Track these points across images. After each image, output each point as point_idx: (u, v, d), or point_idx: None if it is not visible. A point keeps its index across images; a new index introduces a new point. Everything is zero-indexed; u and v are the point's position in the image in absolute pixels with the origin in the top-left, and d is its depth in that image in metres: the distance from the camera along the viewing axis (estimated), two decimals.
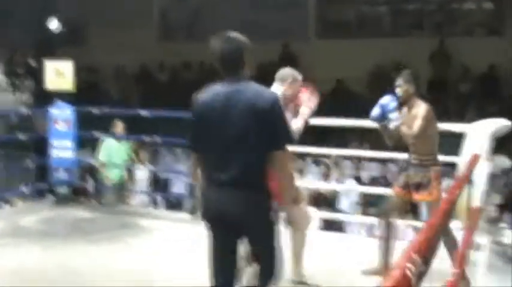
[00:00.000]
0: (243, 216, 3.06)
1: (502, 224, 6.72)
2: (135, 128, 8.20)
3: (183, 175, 9.64)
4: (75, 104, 7.48)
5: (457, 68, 13.02)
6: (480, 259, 4.14)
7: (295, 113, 4.39)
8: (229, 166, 3.03)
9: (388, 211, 4.92)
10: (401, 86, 4.80)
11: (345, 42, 13.72)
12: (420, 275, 1.12)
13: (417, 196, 4.77)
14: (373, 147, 8.13)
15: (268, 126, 2.99)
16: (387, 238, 4.86)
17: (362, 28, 14.72)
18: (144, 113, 7.35)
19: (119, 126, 8.11)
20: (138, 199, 9.25)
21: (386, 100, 4.75)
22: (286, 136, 3.11)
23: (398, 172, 6.70)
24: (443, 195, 4.39)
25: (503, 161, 5.16)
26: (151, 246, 5.74)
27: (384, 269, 4.79)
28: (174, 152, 11.12)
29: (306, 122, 4.42)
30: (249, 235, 3.15)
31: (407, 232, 6.70)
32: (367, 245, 5.39)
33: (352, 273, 4.90)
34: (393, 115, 4.74)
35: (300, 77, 4.44)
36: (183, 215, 7.34)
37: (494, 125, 4.73)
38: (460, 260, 2.06)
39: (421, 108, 4.69)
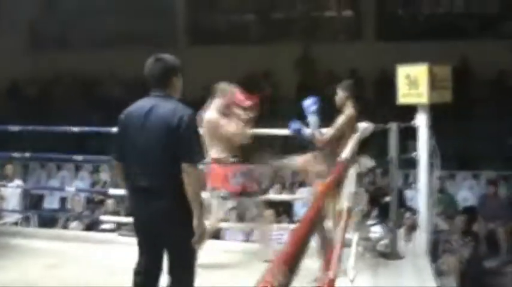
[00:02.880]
0: (157, 224, 3.33)
1: (370, 221, 7.12)
2: (4, 143, 7.90)
3: (56, 190, 9.40)
4: None
5: (322, 73, 13.59)
6: (349, 255, 4.38)
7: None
8: (145, 175, 3.31)
9: None
10: (338, 95, 5.16)
11: (214, 50, 13.90)
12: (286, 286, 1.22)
13: None
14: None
15: (178, 141, 3.26)
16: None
17: (231, 36, 14.98)
18: (14, 128, 7.04)
19: None
20: (9, 217, 8.86)
21: (308, 102, 5.00)
22: (194, 152, 3.31)
23: None
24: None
25: (366, 161, 5.47)
26: (23, 266, 5.50)
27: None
28: (46, 167, 10.81)
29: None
30: (164, 244, 3.39)
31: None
32: None
33: None
34: (312, 119, 4.97)
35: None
36: (58, 232, 7.14)
37: (359, 128, 5.08)
38: (334, 260, 2.20)
39: (345, 113, 5.04)
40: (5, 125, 7.04)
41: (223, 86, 5.16)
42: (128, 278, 3.53)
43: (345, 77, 13.12)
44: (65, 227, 8.94)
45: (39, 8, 15.74)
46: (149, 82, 3.46)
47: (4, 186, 8.49)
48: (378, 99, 11.97)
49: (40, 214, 9.55)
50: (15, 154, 7.40)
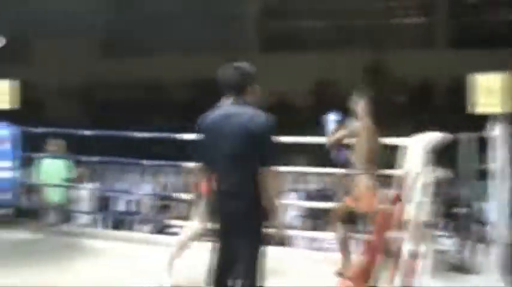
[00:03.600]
0: (237, 223, 3.49)
1: (443, 233, 6.94)
2: (76, 146, 8.10)
3: (125, 193, 9.56)
4: (17, 123, 7.33)
5: (392, 81, 13.41)
6: (423, 267, 4.27)
7: None
8: (229, 178, 3.49)
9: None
10: (355, 102, 5.07)
11: (285, 57, 13.92)
12: None
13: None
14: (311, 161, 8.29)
15: (259, 146, 3.45)
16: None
17: (301, 43, 14.97)
18: (86, 132, 7.21)
19: (57, 145, 7.94)
20: (81, 218, 9.09)
21: (329, 117, 5.08)
22: (273, 156, 3.50)
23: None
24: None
25: (439, 172, 5.33)
26: (94, 266, 5.65)
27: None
28: (114, 170, 11.03)
29: None
30: (239, 244, 3.48)
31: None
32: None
33: None
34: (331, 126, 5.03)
35: None
36: (126, 234, 7.27)
37: (428, 138, 4.95)
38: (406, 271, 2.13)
39: (364, 123, 4.93)
40: (77, 129, 7.23)
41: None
42: (196, 278, 3.66)
43: (416, 86, 13.15)
44: (131, 229, 9.10)
45: (114, 14, 16.15)
46: (225, 89, 3.57)
47: (77, 188, 8.69)
48: (450, 108, 11.70)
49: (108, 216, 9.74)
50: (85, 158, 7.58)
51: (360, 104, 5.06)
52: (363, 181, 4.81)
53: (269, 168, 3.46)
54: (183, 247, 5.01)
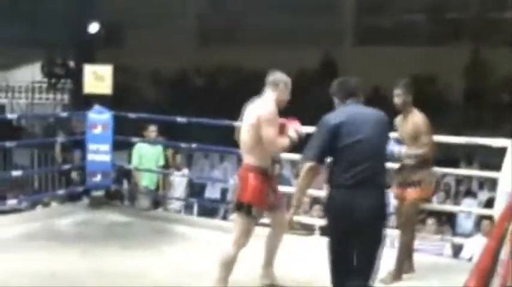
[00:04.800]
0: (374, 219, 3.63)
1: None
2: (170, 132, 8.21)
3: (218, 180, 9.61)
4: (112, 107, 7.51)
5: (495, 79, 12.83)
6: None
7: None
8: (372, 172, 3.62)
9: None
10: (399, 95, 4.95)
11: (380, 50, 13.63)
12: None
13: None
14: None
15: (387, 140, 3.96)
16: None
17: (398, 36, 14.61)
18: (180, 119, 7.26)
19: (152, 131, 8.08)
20: (174, 204, 9.23)
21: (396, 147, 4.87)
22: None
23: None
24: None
25: None
26: (184, 253, 5.69)
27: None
28: (210, 157, 11.13)
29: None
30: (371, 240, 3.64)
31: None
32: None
33: None
34: (396, 149, 4.84)
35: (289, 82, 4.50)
36: (217, 222, 7.30)
37: None
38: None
39: (418, 120, 4.90)
40: (174, 116, 7.27)
41: (278, 77, 4.48)
42: (286, 271, 3.47)
43: None
44: (224, 218, 9.15)
45: (207, 3, 16.34)
46: (345, 95, 3.81)
47: (172, 175, 8.82)
48: None
49: (201, 203, 9.84)
50: (183, 144, 7.65)
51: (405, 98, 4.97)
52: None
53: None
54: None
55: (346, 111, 3.73)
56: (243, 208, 4.32)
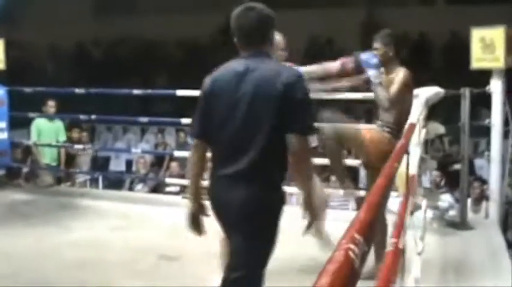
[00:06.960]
0: (242, 213, 2.71)
1: (441, 189, 6.93)
2: (69, 106, 8.01)
3: (122, 151, 9.52)
4: (7, 84, 7.20)
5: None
6: (417, 223, 4.23)
7: None
8: (238, 156, 2.68)
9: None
10: (378, 49, 4.17)
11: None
12: (363, 256, 1.12)
13: None
14: None
15: (286, 109, 2.61)
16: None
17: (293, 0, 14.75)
18: (78, 91, 7.05)
19: (51, 106, 7.80)
20: (80, 179, 9.06)
21: (367, 55, 4.13)
22: (306, 122, 2.70)
23: None
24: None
25: (436, 127, 5.27)
26: (90, 227, 5.58)
27: None
28: (113, 130, 10.97)
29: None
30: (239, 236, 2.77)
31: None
32: None
33: None
34: (373, 73, 4.08)
35: None
36: (124, 193, 7.24)
37: (427, 92, 4.86)
38: (397, 231, 2.08)
39: (400, 73, 4.11)
40: (72, 88, 7.10)
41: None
42: (192, 240, 3.22)
43: (413, 42, 12.98)
44: (130, 189, 9.09)
45: None
46: (240, 38, 2.78)
47: (72, 148, 8.60)
48: (449, 64, 11.60)
49: (107, 176, 9.72)
50: (82, 116, 7.47)
51: (384, 51, 4.19)
52: None
53: (303, 137, 2.65)
54: None
55: (227, 68, 2.82)
56: None
